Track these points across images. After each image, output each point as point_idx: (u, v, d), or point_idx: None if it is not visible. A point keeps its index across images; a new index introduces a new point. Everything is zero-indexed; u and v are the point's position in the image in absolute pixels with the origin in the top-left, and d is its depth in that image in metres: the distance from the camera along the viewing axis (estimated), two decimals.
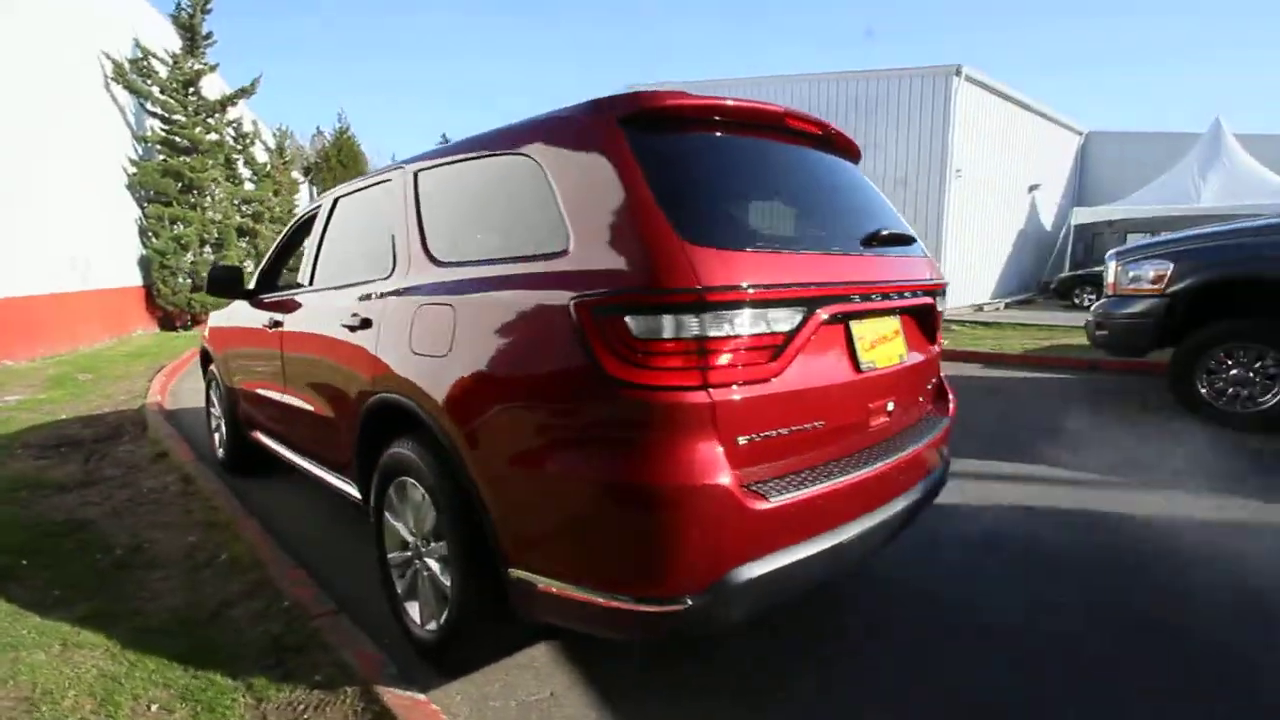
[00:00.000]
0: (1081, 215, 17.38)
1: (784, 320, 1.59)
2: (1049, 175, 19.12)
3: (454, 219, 2.14)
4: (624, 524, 1.50)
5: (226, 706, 1.85)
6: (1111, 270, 5.12)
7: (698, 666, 2.06)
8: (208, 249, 12.47)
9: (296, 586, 2.46)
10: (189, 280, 12.11)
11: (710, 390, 1.49)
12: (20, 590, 2.56)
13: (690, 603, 1.49)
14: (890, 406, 1.95)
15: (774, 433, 1.61)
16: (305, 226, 3.52)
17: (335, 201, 3.00)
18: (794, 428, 1.66)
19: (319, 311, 2.76)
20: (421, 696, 1.83)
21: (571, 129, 1.74)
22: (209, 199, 12.44)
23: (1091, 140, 20.29)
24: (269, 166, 16.35)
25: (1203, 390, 4.60)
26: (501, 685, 2.01)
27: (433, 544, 2.05)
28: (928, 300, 2.16)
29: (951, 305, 13.87)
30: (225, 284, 3.59)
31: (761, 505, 1.52)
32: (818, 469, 1.73)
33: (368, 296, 2.37)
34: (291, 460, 3.24)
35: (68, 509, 3.53)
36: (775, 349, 1.58)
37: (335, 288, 2.73)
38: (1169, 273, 4.66)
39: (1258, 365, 4.41)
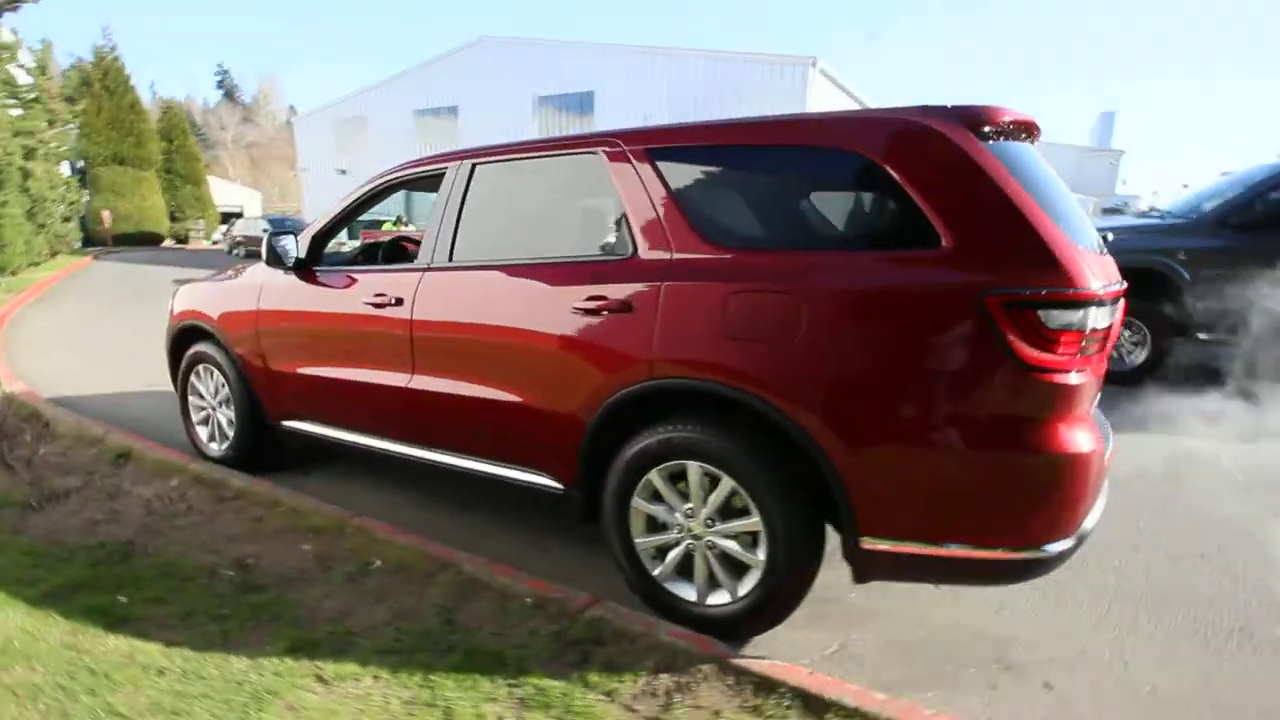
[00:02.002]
0: None
1: (1111, 314, 1.92)
2: None
3: (739, 204, 2.16)
4: (1031, 487, 1.75)
5: (584, 708, 1.80)
6: None
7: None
8: None
9: (522, 581, 2.33)
10: None
11: (1086, 371, 1.79)
12: (168, 630, 2.11)
13: (1061, 548, 1.80)
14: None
15: (1090, 403, 1.96)
16: (382, 195, 3.13)
17: (473, 169, 2.72)
18: (1094, 398, 2.02)
19: (497, 292, 2.53)
20: (780, 662, 1.93)
21: (924, 133, 1.87)
22: None
23: None
24: (38, 90, 13.10)
25: None
26: (789, 645, 2.16)
27: (722, 523, 2.11)
28: None
29: None
30: (280, 254, 3.07)
31: (1098, 465, 1.87)
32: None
33: (602, 278, 2.27)
34: (392, 452, 2.94)
35: (79, 530, 2.85)
36: (1104, 339, 1.91)
37: (511, 266, 2.53)
38: None
39: (1125, 334, 5.74)
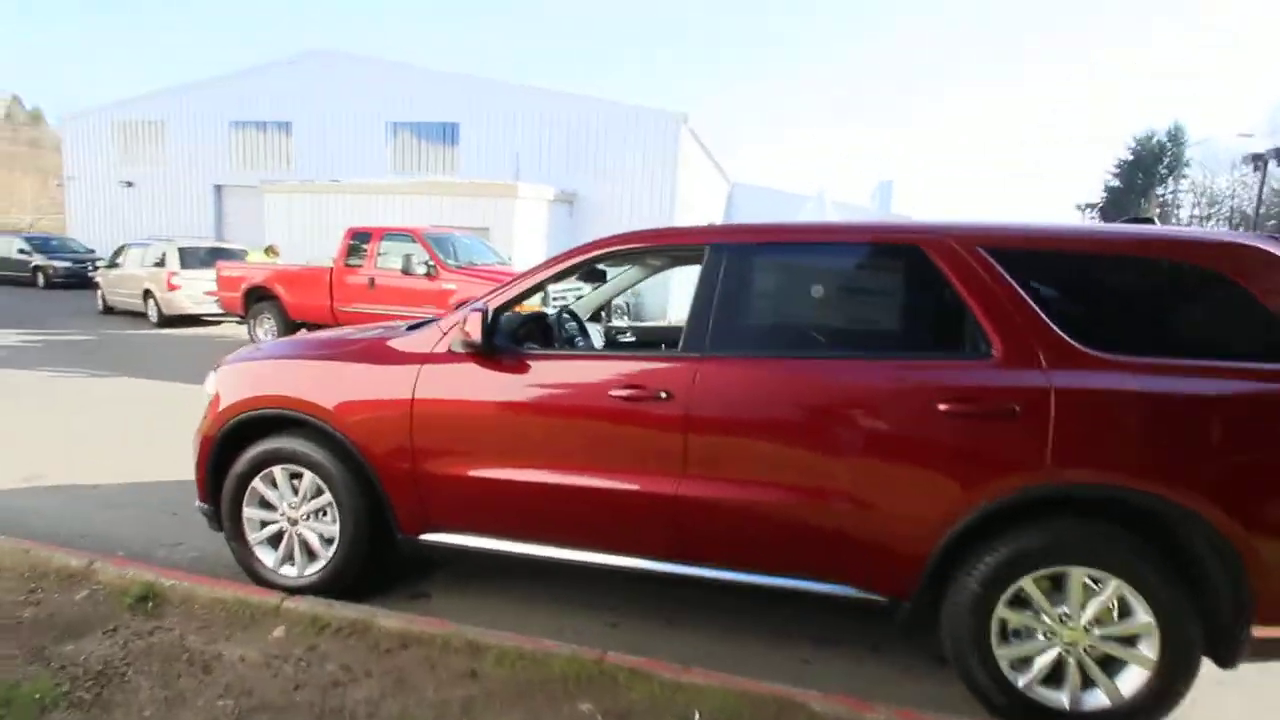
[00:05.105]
0: None
1: None
2: (712, 216, 23.52)
3: (1107, 309, 2.24)
4: None
5: None
6: None
7: None
8: None
9: (888, 712, 2.11)
10: None
11: None
12: None
13: None
14: None
15: None
16: (593, 264, 2.71)
17: (743, 250, 2.46)
18: None
19: (816, 389, 2.30)
20: None
21: (1266, 255, 2.10)
22: None
23: (736, 190, 25.65)
24: None
25: None
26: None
27: (1116, 624, 2.14)
28: None
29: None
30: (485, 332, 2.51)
31: None
32: None
33: (964, 379, 2.20)
34: (618, 567, 2.52)
35: None
36: None
37: (831, 361, 2.34)
38: None
39: None
